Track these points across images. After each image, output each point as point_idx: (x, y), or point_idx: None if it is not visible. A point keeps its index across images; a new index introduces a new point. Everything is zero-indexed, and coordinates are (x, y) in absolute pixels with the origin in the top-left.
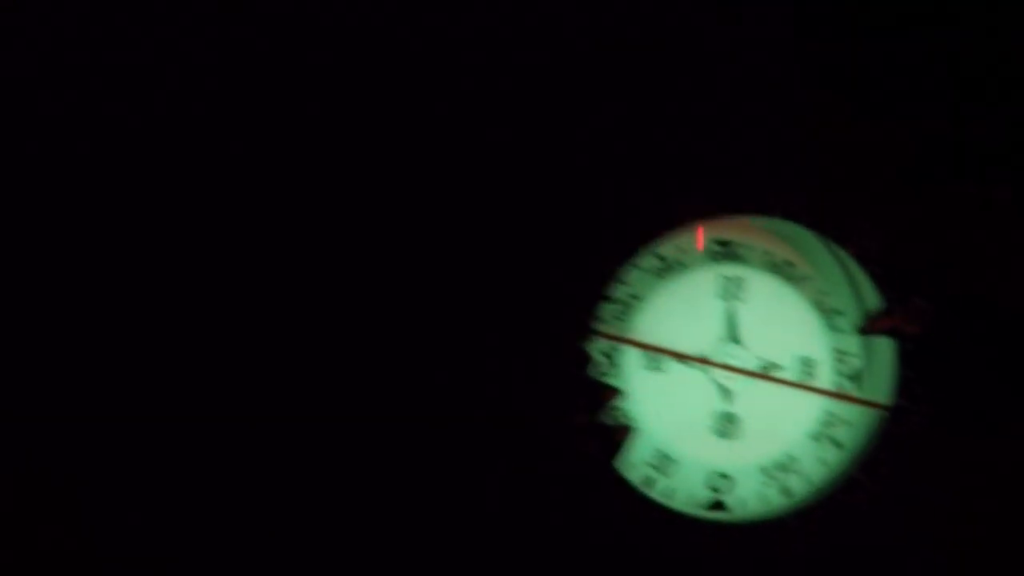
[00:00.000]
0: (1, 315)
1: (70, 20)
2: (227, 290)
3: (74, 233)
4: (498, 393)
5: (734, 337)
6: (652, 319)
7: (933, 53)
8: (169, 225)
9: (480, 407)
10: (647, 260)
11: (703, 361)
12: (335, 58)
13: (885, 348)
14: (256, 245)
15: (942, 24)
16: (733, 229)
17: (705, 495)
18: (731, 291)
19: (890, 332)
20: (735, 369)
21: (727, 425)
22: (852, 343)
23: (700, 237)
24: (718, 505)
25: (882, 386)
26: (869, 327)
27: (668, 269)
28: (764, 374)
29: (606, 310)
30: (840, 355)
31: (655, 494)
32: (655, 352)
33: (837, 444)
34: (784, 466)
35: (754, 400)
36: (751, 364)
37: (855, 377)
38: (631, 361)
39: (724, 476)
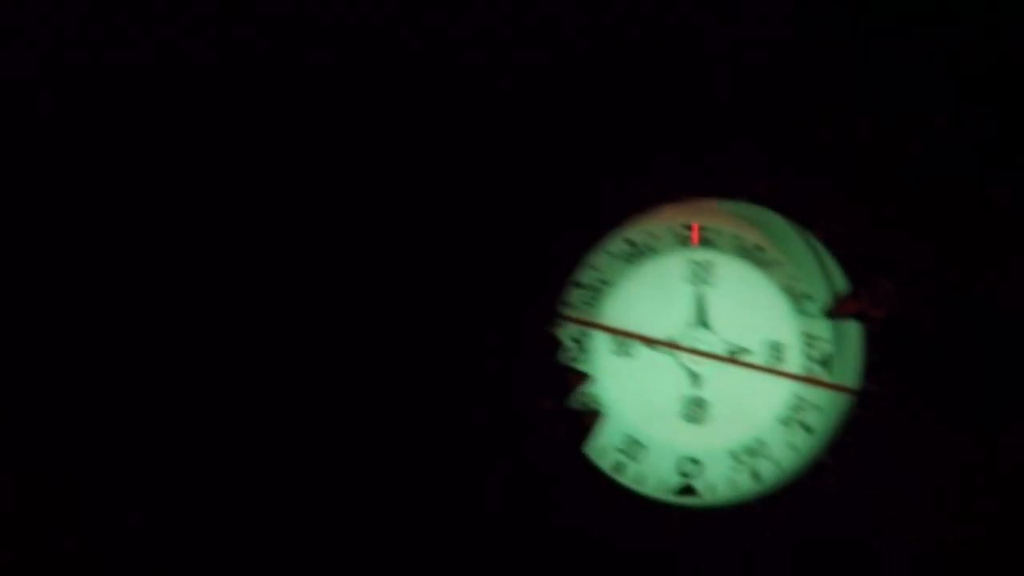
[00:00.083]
0: (1, 315)
1: (70, 20)
2: (217, 288)
3: (74, 233)
4: (466, 380)
5: (703, 322)
6: (621, 304)
7: (933, 53)
8: (169, 225)
9: (448, 394)
10: (617, 245)
11: (672, 346)
12: (335, 58)
13: (855, 332)
14: (254, 244)
15: (942, 24)
16: (703, 214)
17: (675, 480)
18: (700, 276)
19: (857, 316)
20: (704, 354)
21: (696, 410)
22: (822, 328)
23: (695, 232)
24: (688, 490)
25: (852, 370)
26: (835, 310)
27: (638, 254)
28: (733, 359)
29: (575, 295)
30: (810, 339)
31: (625, 480)
32: (624, 337)
33: (807, 428)
34: (753, 451)
35: (723, 385)
36: (720, 349)
37: (825, 362)
38: (600, 346)
39: (694, 461)
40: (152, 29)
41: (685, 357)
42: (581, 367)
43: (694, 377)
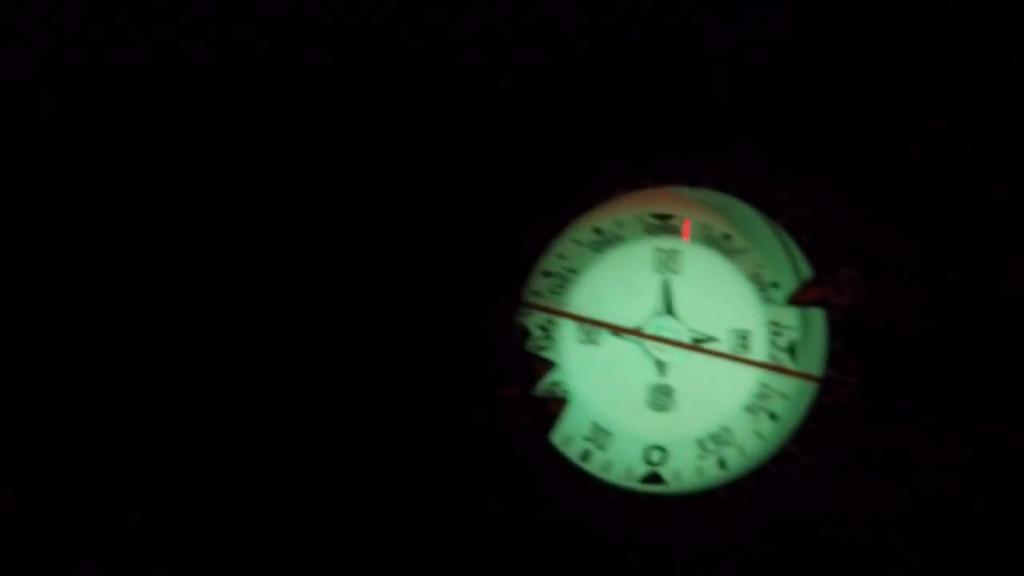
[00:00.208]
0: (1, 314)
1: (70, 20)
2: (216, 286)
3: (74, 233)
4: (432, 368)
5: (669, 310)
6: (588, 292)
7: (933, 53)
8: (168, 224)
9: (413, 383)
10: (584, 233)
11: (638, 334)
12: (335, 58)
13: (821, 320)
14: (254, 243)
15: (942, 24)
16: (671, 203)
17: (641, 468)
18: (667, 264)
19: (820, 303)
20: (670, 342)
21: (662, 398)
22: (788, 315)
23: (687, 228)
24: (654, 478)
25: (818, 359)
26: (798, 298)
27: (605, 242)
28: (699, 347)
29: (543, 284)
30: (776, 328)
31: (592, 467)
32: (591, 325)
33: (772, 416)
34: (719, 439)
35: (689, 373)
36: (686, 337)
37: (791, 349)
38: (567, 334)
39: (660, 449)
40: (152, 29)
41: (651, 345)
42: (547, 355)
43: (660, 365)
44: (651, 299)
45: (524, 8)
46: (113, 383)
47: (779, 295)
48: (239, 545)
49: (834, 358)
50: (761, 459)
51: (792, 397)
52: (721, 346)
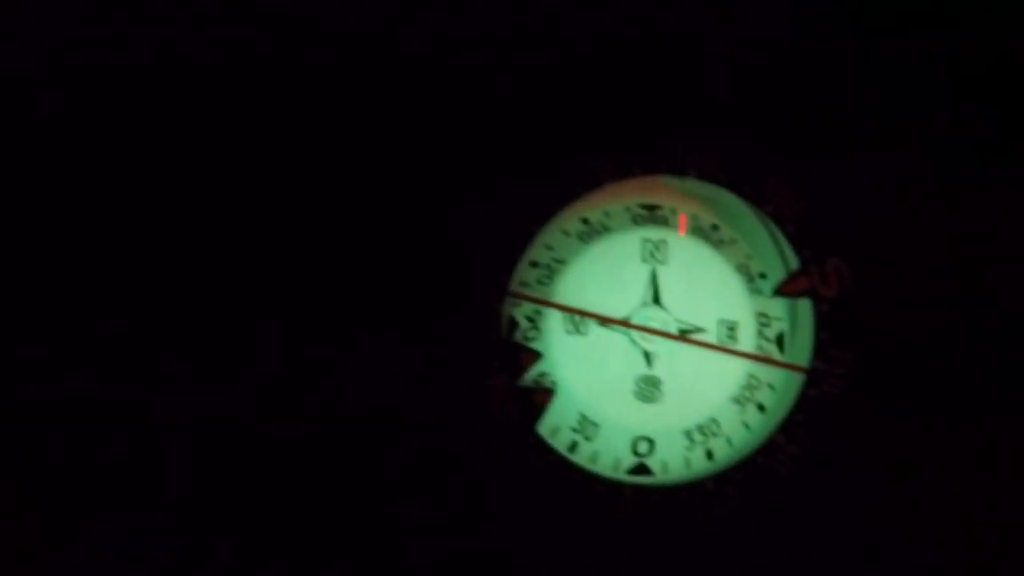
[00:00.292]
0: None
1: (70, 20)
2: (216, 285)
3: (74, 232)
4: (417, 358)
5: (657, 301)
6: (576, 283)
7: (933, 53)
8: (168, 223)
9: (399, 373)
10: (572, 223)
11: (625, 324)
12: (335, 58)
13: (809, 311)
14: (253, 242)
15: (942, 24)
16: (659, 193)
17: (629, 459)
18: (654, 255)
19: (806, 293)
20: (658, 332)
21: (650, 389)
22: (776, 306)
23: (682, 222)
24: (642, 469)
25: (806, 349)
26: (784, 288)
27: (592, 233)
28: (686, 337)
29: (530, 274)
30: (764, 318)
31: (579, 459)
32: (578, 315)
33: (760, 408)
34: (707, 430)
35: (676, 364)
36: (673, 328)
37: (779, 341)
38: (554, 325)
39: (647, 440)
40: (152, 29)
41: (639, 336)
42: (534, 346)
43: (648, 356)
44: (639, 290)
45: (524, 8)
46: (101, 382)
47: (767, 286)
48: (227, 537)
49: (821, 349)
50: (749, 450)
51: (780, 388)
52: (709, 337)
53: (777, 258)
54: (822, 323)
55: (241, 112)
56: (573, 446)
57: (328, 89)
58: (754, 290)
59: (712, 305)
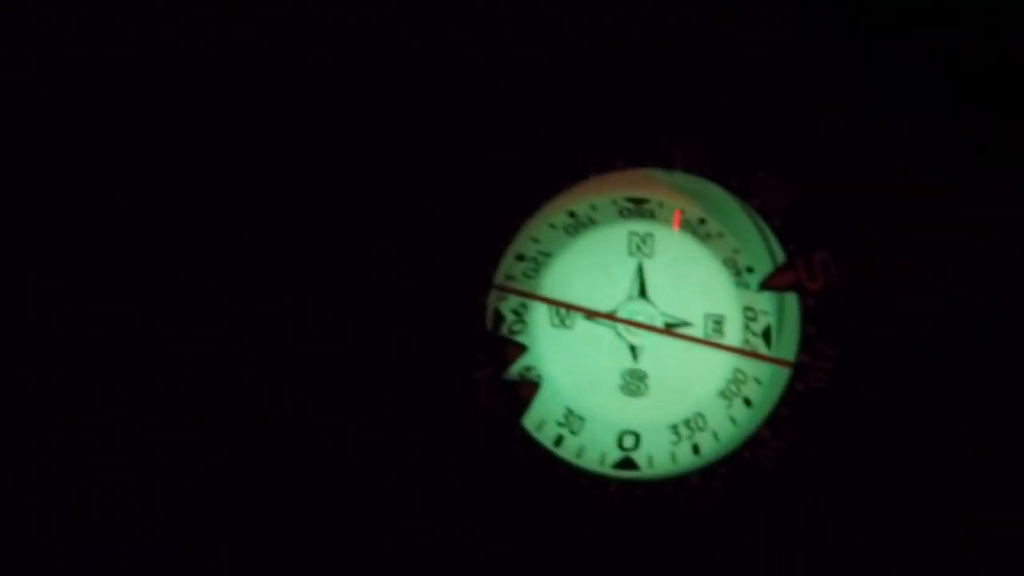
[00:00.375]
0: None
1: (70, 20)
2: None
3: (74, 232)
4: (402, 352)
5: (643, 294)
6: (562, 276)
7: (933, 53)
8: (168, 223)
9: (383, 367)
10: (558, 217)
11: (612, 318)
12: (335, 58)
13: (796, 305)
14: (252, 241)
15: (942, 24)
16: (647, 187)
17: (614, 453)
18: (641, 248)
19: (793, 287)
20: (643, 326)
21: (636, 383)
22: (763, 301)
23: (677, 218)
24: (627, 463)
25: (793, 344)
26: (770, 282)
27: (579, 226)
28: (672, 331)
29: (516, 267)
30: (750, 312)
31: (565, 453)
32: (564, 309)
33: (747, 402)
34: (693, 424)
35: (663, 358)
36: (660, 322)
37: (766, 335)
38: (540, 318)
39: (633, 434)
40: (152, 29)
41: (624, 330)
42: (520, 339)
43: (634, 350)
44: (625, 283)
45: (518, 6)
46: (101, 382)
47: (754, 280)
48: (216, 536)
49: (807, 343)
50: (735, 445)
51: (766, 382)
52: (695, 331)
53: (764, 252)
54: (808, 317)
55: (241, 112)
56: (559, 440)
57: (326, 89)
58: (741, 284)
59: (698, 299)
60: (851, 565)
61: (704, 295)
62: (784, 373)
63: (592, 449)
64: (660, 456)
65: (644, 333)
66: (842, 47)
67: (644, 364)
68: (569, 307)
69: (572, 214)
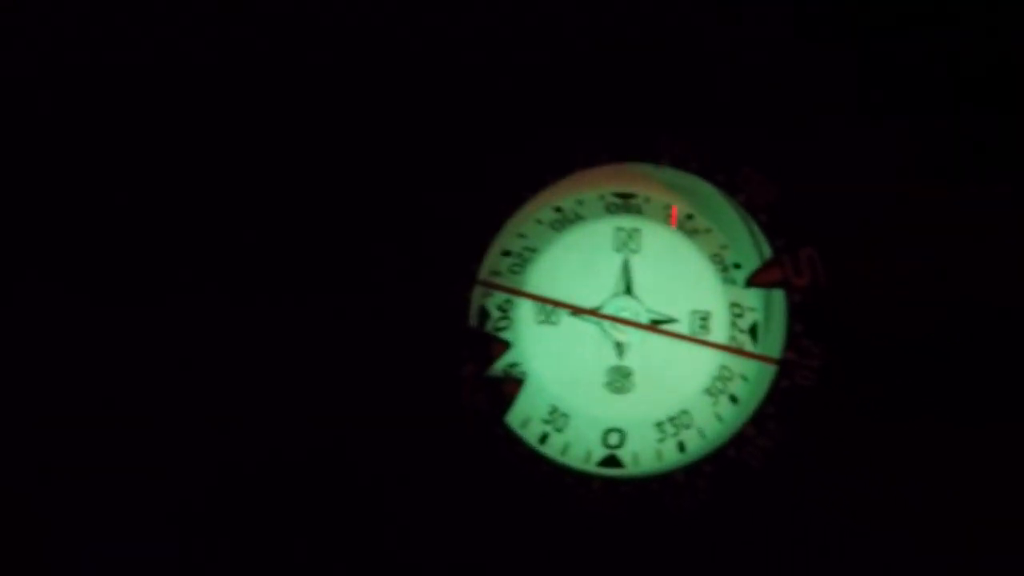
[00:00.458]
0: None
1: (70, 20)
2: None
3: (74, 232)
4: (385, 348)
5: (629, 290)
6: (548, 271)
7: (933, 53)
8: (167, 223)
9: (366, 363)
10: (544, 212)
11: (597, 315)
12: (335, 58)
13: (783, 302)
14: (252, 240)
15: (942, 24)
16: (635, 182)
17: (600, 451)
18: (627, 243)
19: (779, 284)
20: (629, 323)
21: (621, 380)
22: (750, 297)
23: (674, 215)
24: (612, 460)
25: (780, 341)
26: (756, 278)
27: (565, 221)
28: (658, 328)
29: (502, 263)
30: (737, 309)
31: (550, 450)
32: (549, 305)
33: (733, 399)
34: (679, 421)
35: (648, 354)
36: (645, 318)
37: (752, 331)
38: (525, 314)
39: (618, 431)
40: (152, 29)
41: (610, 326)
42: (505, 336)
43: (619, 347)
44: (611, 279)
45: (524, 8)
46: (101, 381)
47: (742, 276)
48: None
49: (793, 340)
50: (722, 442)
51: (753, 379)
52: (681, 327)
53: (752, 248)
54: (794, 314)
55: (242, 112)
56: (544, 437)
57: (324, 88)
58: (728, 280)
59: (685, 295)
60: (836, 563)
61: (690, 291)
62: (771, 370)
63: (577, 446)
64: (646, 453)
65: (630, 330)
66: (842, 47)
67: (629, 361)
68: (555, 304)
69: (558, 209)
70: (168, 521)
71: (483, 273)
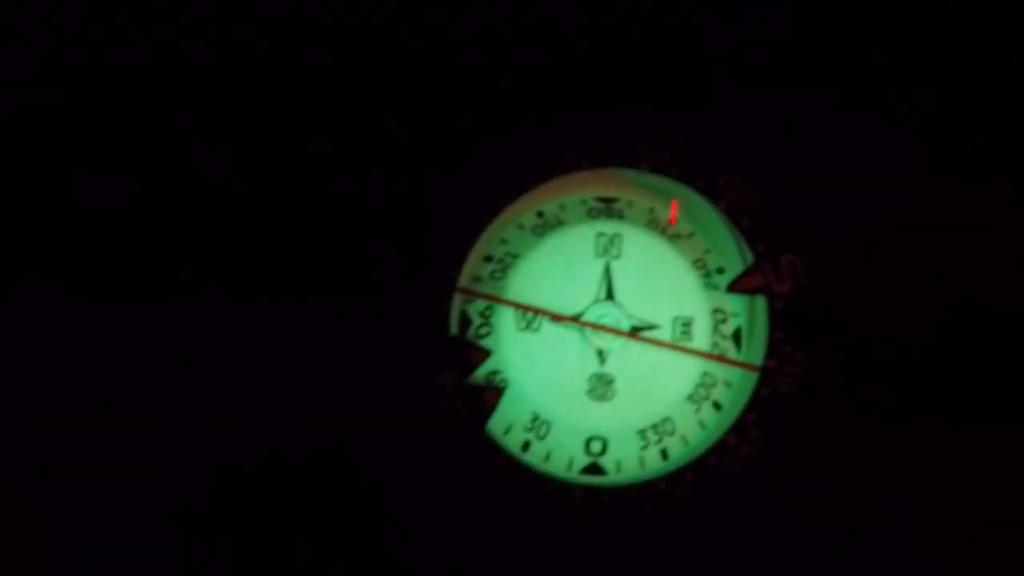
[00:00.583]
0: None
1: (70, 20)
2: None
3: (74, 232)
4: (364, 355)
5: (611, 296)
6: (529, 277)
7: (933, 53)
8: (167, 223)
9: (345, 370)
10: (527, 217)
11: (578, 321)
12: (335, 58)
13: (765, 308)
14: (253, 240)
15: (942, 24)
16: (616, 187)
17: (582, 459)
18: (609, 249)
19: (761, 290)
20: (611, 330)
21: (603, 387)
22: (734, 302)
23: (673, 212)
24: (594, 468)
25: (763, 347)
26: (739, 284)
27: (547, 226)
28: (640, 335)
29: (483, 269)
30: (720, 314)
31: (531, 458)
32: (530, 312)
33: (716, 406)
34: (661, 429)
35: (630, 361)
36: (627, 325)
37: (735, 337)
38: (506, 321)
39: (600, 439)
40: (152, 29)
41: (592, 333)
42: (486, 343)
43: (600, 354)
44: (592, 285)
45: (524, 8)
46: (101, 381)
47: (725, 281)
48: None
49: (774, 347)
50: (704, 449)
51: (736, 386)
52: (663, 334)
53: (736, 253)
54: (776, 321)
55: (242, 112)
56: (526, 445)
57: (328, 89)
58: (711, 285)
59: (667, 301)
60: (818, 572)
61: (672, 297)
62: (754, 376)
63: (559, 454)
64: (628, 461)
65: (611, 336)
66: (842, 47)
67: (611, 368)
68: (535, 311)
69: (540, 214)
70: (168, 521)
71: (464, 279)
